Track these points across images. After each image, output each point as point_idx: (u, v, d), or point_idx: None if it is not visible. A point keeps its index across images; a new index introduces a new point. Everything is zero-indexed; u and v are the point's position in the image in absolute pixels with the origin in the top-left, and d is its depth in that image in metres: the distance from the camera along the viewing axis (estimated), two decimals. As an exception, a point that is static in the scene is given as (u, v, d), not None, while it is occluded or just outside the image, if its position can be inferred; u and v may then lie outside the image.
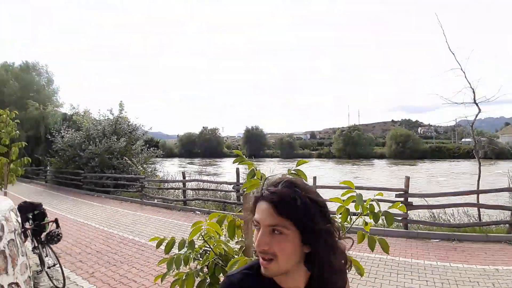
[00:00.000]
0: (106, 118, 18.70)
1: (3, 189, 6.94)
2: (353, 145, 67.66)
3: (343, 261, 1.01)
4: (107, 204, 12.52)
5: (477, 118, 9.14)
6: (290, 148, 75.79)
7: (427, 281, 4.70)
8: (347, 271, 1.09)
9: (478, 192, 7.52)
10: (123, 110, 18.84)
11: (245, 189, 1.57)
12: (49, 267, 4.73)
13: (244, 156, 1.67)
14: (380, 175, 31.49)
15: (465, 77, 9.17)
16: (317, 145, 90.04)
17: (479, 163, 8.63)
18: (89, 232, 8.05)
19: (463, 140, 70.12)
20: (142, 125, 19.24)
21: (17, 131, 7.01)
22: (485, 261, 5.43)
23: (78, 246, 6.82)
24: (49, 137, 19.47)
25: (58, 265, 4.63)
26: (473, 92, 9.05)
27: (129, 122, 18.59)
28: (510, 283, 4.56)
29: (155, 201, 12.52)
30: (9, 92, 27.79)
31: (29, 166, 22.57)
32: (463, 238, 6.69)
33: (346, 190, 1.65)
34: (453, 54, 9.38)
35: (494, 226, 7.32)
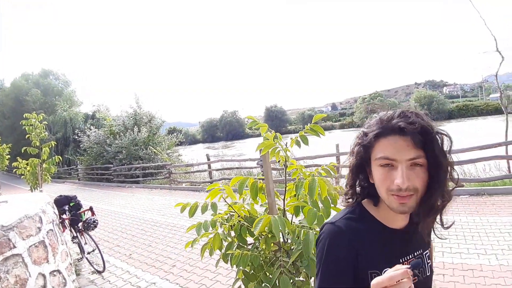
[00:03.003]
0: (125, 112, 19.14)
1: (38, 188, 7.31)
2: (376, 112, 66.30)
3: (444, 203, 0.94)
4: (138, 193, 12.92)
5: (505, 72, 8.84)
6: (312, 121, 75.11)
7: (456, 235, 4.67)
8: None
9: (506, 143, 7.30)
10: (139, 101, 19.23)
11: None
12: (88, 253, 5.02)
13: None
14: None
15: (485, 24, 8.82)
16: (339, 116, 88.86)
17: (506, 114, 8.34)
18: (124, 219, 8.36)
19: (491, 96, 67.54)
20: (156, 112, 19.57)
21: (46, 133, 7.30)
22: (517, 212, 5.33)
23: (115, 233, 7.11)
24: (76, 137, 20.20)
25: (97, 250, 4.87)
26: (495, 40, 8.71)
27: (147, 112, 18.95)
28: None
29: (183, 185, 12.82)
30: (33, 99, 28.86)
31: (60, 167, 23.62)
32: (493, 191, 6.54)
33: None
34: (471, 1, 9.01)
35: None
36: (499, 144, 7.15)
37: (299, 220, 1.82)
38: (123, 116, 18.86)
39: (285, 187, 1.80)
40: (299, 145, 1.59)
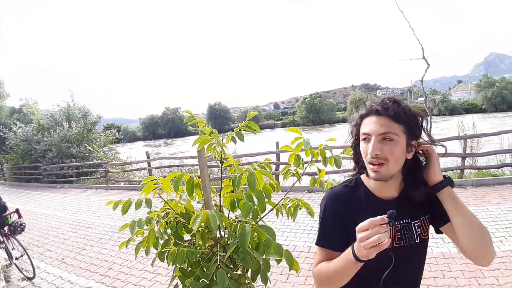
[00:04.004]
0: (57, 106, 17.78)
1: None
2: (316, 112, 68.99)
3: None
4: (71, 194, 12.18)
5: (431, 78, 9.76)
6: (255, 120, 75.88)
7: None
8: None
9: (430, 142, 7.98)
10: (73, 95, 17.96)
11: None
12: (16, 259, 4.68)
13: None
14: (344, 137, 32.35)
15: (414, 34, 9.54)
16: (281, 115, 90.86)
17: (430, 116, 9.12)
18: (55, 222, 7.85)
19: (419, 99, 73.24)
20: (90, 106, 18.22)
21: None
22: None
23: (45, 237, 6.66)
24: (1, 134, 18.31)
25: (26, 256, 4.58)
26: (422, 48, 9.46)
27: (82, 107, 17.77)
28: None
29: (121, 184, 12.32)
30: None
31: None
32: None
33: (295, 137, 1.69)
34: (402, 12, 9.68)
35: (446, 172, 7.86)
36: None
37: (236, 216, 1.85)
38: (54, 110, 17.54)
39: (221, 183, 1.82)
40: (234, 141, 1.61)
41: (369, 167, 1.06)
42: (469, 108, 53.18)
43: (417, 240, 1.14)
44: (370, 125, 1.06)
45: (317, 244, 1.19)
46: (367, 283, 1.14)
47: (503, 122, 30.96)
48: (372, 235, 0.88)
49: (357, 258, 0.95)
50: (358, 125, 1.13)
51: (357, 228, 0.92)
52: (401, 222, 1.13)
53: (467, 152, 7.82)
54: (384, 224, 0.88)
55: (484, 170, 7.72)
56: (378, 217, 0.89)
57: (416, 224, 1.15)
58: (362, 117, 1.11)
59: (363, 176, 1.21)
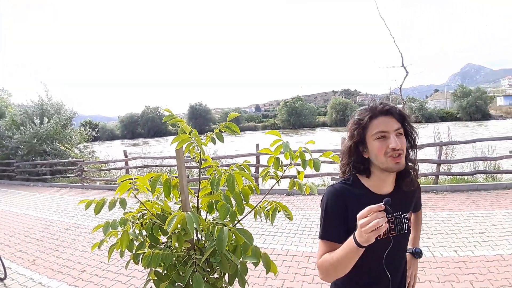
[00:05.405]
0: (31, 102, 17.16)
1: None
2: (296, 116, 69.53)
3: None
4: (45, 193, 11.79)
5: (409, 87, 9.95)
6: (235, 121, 75.60)
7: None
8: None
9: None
10: (48, 91, 17.26)
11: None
12: (-14, 259, 4.48)
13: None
14: (323, 141, 32.69)
15: (394, 42, 9.73)
16: (262, 117, 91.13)
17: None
18: (27, 222, 7.58)
19: (397, 106, 75.52)
20: (61, 102, 17.41)
21: None
22: (414, 209, 5.96)
23: (16, 236, 6.41)
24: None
25: (-4, 256, 4.40)
26: (401, 56, 9.66)
27: (55, 102, 17.13)
28: (438, 227, 5.06)
29: (97, 183, 12.03)
30: None
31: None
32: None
33: (274, 140, 1.67)
34: (383, 20, 9.86)
35: (422, 178, 8.03)
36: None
37: (213, 218, 1.82)
38: (28, 105, 16.89)
39: (199, 184, 1.79)
40: (214, 142, 1.59)
41: (388, 160, 1.18)
42: (445, 117, 54.75)
43: (406, 230, 1.32)
44: (383, 124, 1.20)
45: (320, 237, 1.29)
46: (370, 269, 1.29)
47: (477, 130, 31.98)
48: (371, 220, 0.97)
49: (358, 244, 1.03)
50: (366, 128, 1.24)
51: (358, 215, 1.01)
52: (394, 214, 1.29)
53: (442, 158, 8.01)
54: (381, 211, 0.98)
55: (458, 177, 7.94)
56: (376, 204, 0.99)
57: (405, 217, 1.32)
58: (371, 118, 1.22)
59: (358, 175, 1.32)
